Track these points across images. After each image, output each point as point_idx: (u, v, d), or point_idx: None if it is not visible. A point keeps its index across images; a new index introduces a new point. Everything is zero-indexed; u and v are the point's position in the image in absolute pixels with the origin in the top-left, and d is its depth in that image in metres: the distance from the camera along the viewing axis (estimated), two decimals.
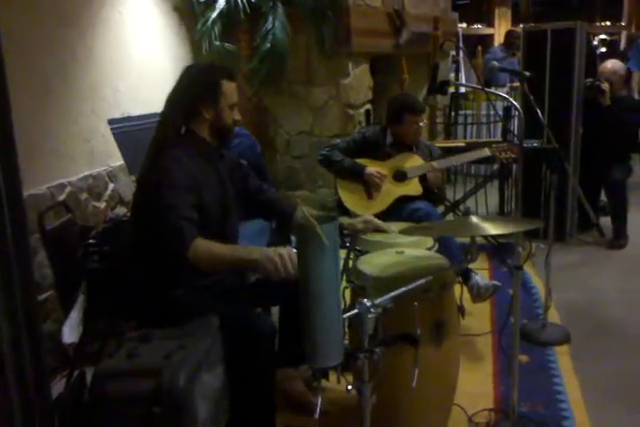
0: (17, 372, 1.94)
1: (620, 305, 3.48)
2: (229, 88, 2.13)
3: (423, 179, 3.27)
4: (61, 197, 3.10)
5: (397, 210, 3.20)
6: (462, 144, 4.49)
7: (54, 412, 1.88)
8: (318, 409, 1.58)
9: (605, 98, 4.38)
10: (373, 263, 2.12)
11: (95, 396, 1.53)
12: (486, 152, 3.32)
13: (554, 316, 3.31)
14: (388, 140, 3.32)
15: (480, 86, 2.64)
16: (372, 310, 1.53)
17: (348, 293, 2.19)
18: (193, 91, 2.10)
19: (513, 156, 3.25)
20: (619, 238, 4.48)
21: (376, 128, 3.41)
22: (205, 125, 2.13)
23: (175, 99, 2.13)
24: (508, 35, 7.82)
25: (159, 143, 2.09)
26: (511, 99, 2.58)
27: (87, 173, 3.40)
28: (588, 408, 2.46)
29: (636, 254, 4.32)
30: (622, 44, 9.98)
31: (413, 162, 3.27)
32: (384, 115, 3.44)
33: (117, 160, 3.47)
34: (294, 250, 1.80)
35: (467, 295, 3.08)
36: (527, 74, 2.58)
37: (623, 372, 2.75)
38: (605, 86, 4.38)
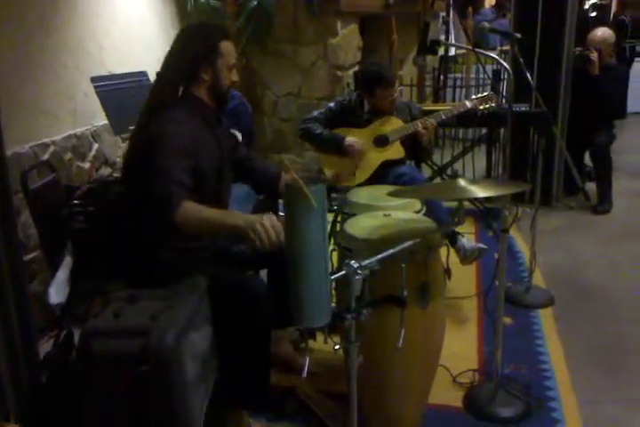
0: (4, 331, 1.94)
1: (603, 269, 3.53)
2: (228, 49, 2.08)
3: (405, 140, 3.23)
4: (45, 157, 3.05)
5: (382, 176, 3.18)
6: (450, 107, 4.45)
7: (41, 370, 1.89)
8: (306, 369, 1.60)
9: (594, 67, 4.36)
10: (361, 226, 2.12)
11: (82, 355, 1.53)
12: (466, 104, 3.28)
13: (538, 279, 3.35)
14: (366, 106, 3.26)
15: (470, 47, 2.60)
16: (359, 271, 1.53)
17: (335, 255, 2.19)
18: (191, 52, 2.05)
19: (493, 105, 3.20)
20: (603, 203, 4.53)
21: (353, 95, 3.35)
22: (203, 87, 2.09)
23: (173, 60, 2.08)
24: None
25: (155, 103, 2.04)
26: (501, 60, 2.55)
27: (71, 132, 3.34)
28: (570, 369, 2.52)
29: (619, 219, 4.36)
30: (613, 9, 9.86)
31: (393, 124, 3.22)
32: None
33: (101, 120, 3.41)
34: (280, 215, 1.78)
35: (453, 258, 3.10)
36: (518, 35, 2.53)
37: (604, 334, 2.81)
38: (594, 56, 4.35)
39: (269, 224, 1.77)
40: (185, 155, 1.95)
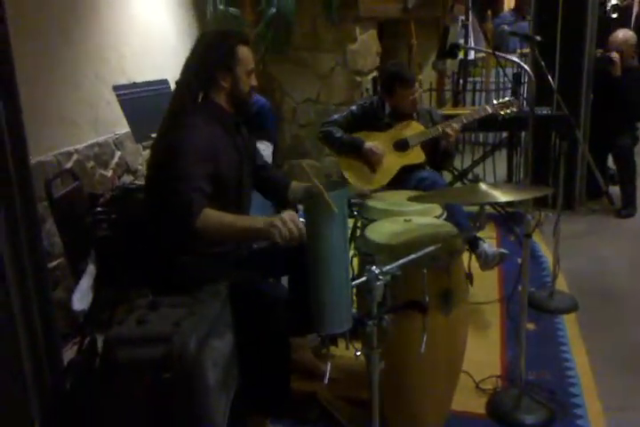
0: (28, 338, 1.96)
1: (627, 274, 3.48)
2: (245, 54, 2.09)
3: (425, 145, 3.23)
4: (68, 165, 3.09)
5: (403, 180, 3.16)
6: (471, 112, 4.43)
7: (65, 377, 1.91)
8: (327, 375, 1.59)
9: (616, 68, 4.32)
10: (381, 231, 2.11)
11: (106, 362, 1.55)
12: (487, 109, 3.26)
13: (562, 284, 3.31)
14: (387, 109, 3.27)
15: (490, 51, 2.59)
16: (381, 277, 1.53)
17: (355, 261, 2.19)
18: (209, 58, 2.07)
19: (514, 110, 3.19)
20: (627, 207, 4.47)
21: (374, 98, 3.36)
22: (223, 93, 2.10)
23: (191, 66, 2.09)
24: None
25: (175, 110, 2.06)
26: (522, 63, 2.52)
27: (93, 140, 3.37)
28: (595, 375, 2.48)
29: None
30: (635, 10, 9.75)
31: (414, 129, 3.22)
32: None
33: (123, 128, 3.44)
34: (300, 213, 1.79)
35: (474, 263, 3.08)
36: (538, 38, 2.52)
37: (629, 339, 2.76)
38: (616, 57, 4.31)
39: (289, 218, 1.79)
40: (204, 161, 1.96)
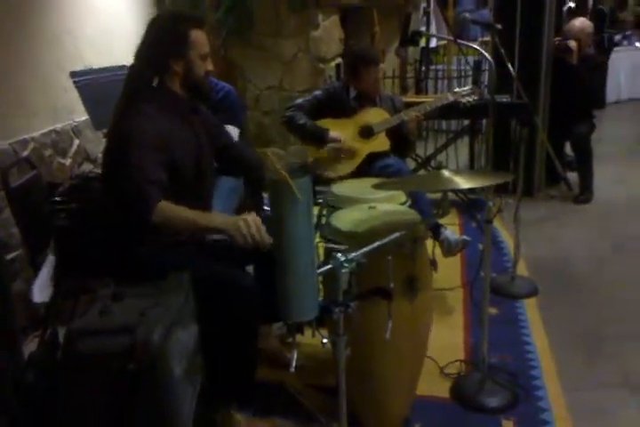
0: None
1: (586, 259, 3.56)
2: (198, 38, 2.04)
3: (389, 133, 3.24)
4: (25, 154, 3.01)
5: (368, 167, 3.18)
6: (432, 99, 4.46)
7: (27, 370, 1.87)
8: (294, 363, 1.59)
9: (573, 57, 4.39)
10: (346, 219, 2.12)
11: (69, 354, 1.51)
12: (448, 97, 3.29)
13: (522, 270, 3.37)
14: (352, 94, 3.27)
15: (452, 38, 2.60)
16: (346, 264, 1.53)
17: (321, 249, 2.19)
18: (160, 43, 2.01)
19: (475, 97, 3.22)
20: (585, 193, 4.56)
21: (339, 83, 3.36)
22: (176, 78, 2.05)
23: (143, 52, 2.04)
24: None
25: (128, 98, 2.01)
26: (483, 51, 2.54)
27: (51, 128, 3.29)
28: (554, 357, 2.54)
29: (601, 209, 4.40)
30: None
31: (378, 116, 3.22)
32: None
33: (82, 115, 3.36)
34: (265, 209, 1.77)
35: (438, 250, 3.11)
36: (498, 26, 2.55)
37: (588, 322, 2.83)
38: (573, 45, 4.38)
39: (252, 222, 1.76)
40: (157, 149, 1.92)
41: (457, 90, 3.32)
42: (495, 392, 2.28)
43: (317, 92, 3.31)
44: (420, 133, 5.89)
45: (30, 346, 2.49)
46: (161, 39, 2.02)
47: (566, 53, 4.40)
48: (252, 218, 1.79)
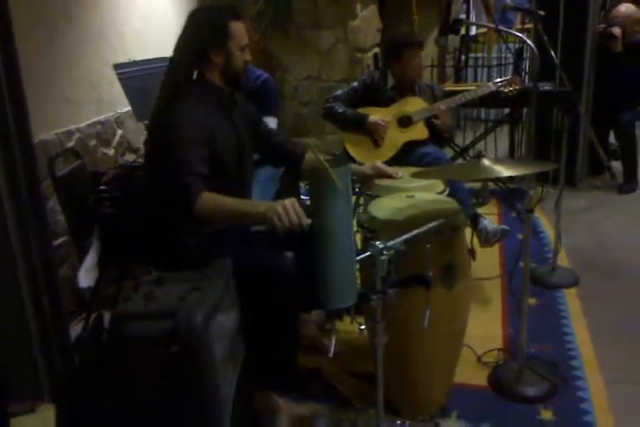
0: (36, 316, 1.99)
1: (628, 249, 3.49)
2: (237, 29, 2.05)
3: (428, 122, 3.23)
4: (70, 144, 3.09)
5: (406, 156, 3.17)
6: (473, 88, 4.41)
7: (74, 352, 1.94)
8: (332, 349, 1.62)
9: (617, 44, 4.28)
10: (384, 207, 2.12)
11: (114, 337, 1.56)
12: (490, 86, 3.26)
13: (563, 260, 3.33)
14: (390, 82, 3.26)
15: (494, 26, 2.57)
16: (385, 252, 1.54)
17: (359, 237, 2.20)
18: (200, 36, 2.03)
19: (517, 87, 3.18)
20: (629, 182, 4.47)
21: (376, 74, 3.36)
22: (216, 70, 2.07)
23: (183, 45, 2.06)
24: None
25: (169, 91, 2.04)
26: (525, 38, 2.51)
27: (95, 119, 3.37)
28: (595, 348, 2.51)
29: None
30: None
31: (417, 105, 3.22)
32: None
33: (125, 106, 3.43)
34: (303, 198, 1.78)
35: (476, 240, 3.09)
36: (541, 13, 2.51)
37: (629, 313, 2.79)
38: (618, 32, 4.26)
39: (290, 205, 1.78)
40: (200, 143, 1.95)
41: (498, 80, 3.29)
42: (533, 382, 2.26)
43: (354, 84, 3.33)
44: (459, 122, 5.84)
45: (75, 330, 2.57)
46: (200, 31, 2.04)
47: (610, 40, 4.30)
48: (289, 200, 1.80)
